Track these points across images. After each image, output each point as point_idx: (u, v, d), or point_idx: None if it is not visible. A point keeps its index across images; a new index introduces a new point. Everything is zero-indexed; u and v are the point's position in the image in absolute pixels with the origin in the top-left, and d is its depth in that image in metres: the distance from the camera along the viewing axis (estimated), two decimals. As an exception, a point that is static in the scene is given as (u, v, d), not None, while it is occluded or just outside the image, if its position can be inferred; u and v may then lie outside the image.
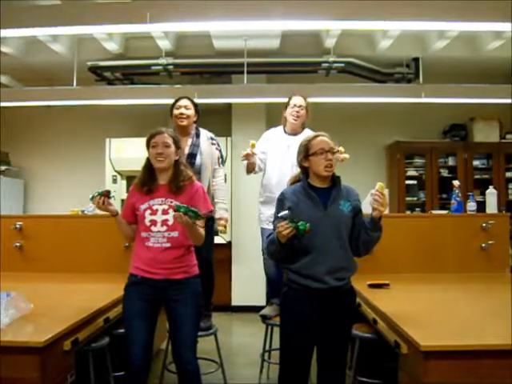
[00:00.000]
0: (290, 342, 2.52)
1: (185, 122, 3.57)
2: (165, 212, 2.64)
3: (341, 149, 3.18)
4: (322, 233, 2.44)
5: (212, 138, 3.74)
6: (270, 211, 3.54)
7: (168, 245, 2.64)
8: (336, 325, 2.50)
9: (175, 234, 2.65)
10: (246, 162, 3.61)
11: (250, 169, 3.69)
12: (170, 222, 2.64)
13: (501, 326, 2.53)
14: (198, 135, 3.65)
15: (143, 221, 2.66)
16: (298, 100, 3.67)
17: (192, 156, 3.55)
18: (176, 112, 3.58)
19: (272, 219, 3.29)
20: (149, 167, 2.73)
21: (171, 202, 2.63)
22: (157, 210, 2.65)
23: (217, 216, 3.67)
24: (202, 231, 2.67)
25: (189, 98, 3.65)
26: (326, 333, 2.49)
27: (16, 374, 2.17)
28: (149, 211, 2.65)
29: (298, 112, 3.64)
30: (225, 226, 3.72)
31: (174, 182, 2.69)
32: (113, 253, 3.99)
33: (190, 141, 3.60)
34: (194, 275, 2.72)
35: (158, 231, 2.64)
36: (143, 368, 2.60)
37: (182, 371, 2.65)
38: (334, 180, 2.55)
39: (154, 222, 2.65)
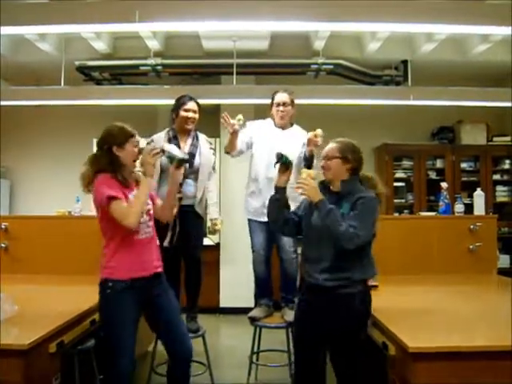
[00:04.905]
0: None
1: (191, 126, 3.60)
2: None
3: (318, 132, 3.34)
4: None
5: (210, 143, 3.78)
6: (257, 203, 3.54)
7: (152, 233, 2.69)
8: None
9: (151, 222, 2.70)
10: (228, 136, 3.56)
11: (230, 148, 3.60)
12: (151, 212, 2.70)
13: (489, 328, 2.55)
14: (197, 137, 3.67)
15: None
16: (281, 97, 3.64)
17: (191, 155, 3.54)
18: (184, 114, 3.56)
19: (260, 211, 3.45)
20: (117, 162, 2.62)
21: None
22: None
23: (213, 217, 3.71)
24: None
25: (196, 101, 3.64)
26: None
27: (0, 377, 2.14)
28: None
29: (282, 111, 3.62)
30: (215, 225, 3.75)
31: (133, 173, 2.70)
32: (99, 254, 3.94)
33: (189, 141, 3.62)
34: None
35: (144, 221, 2.63)
36: (131, 374, 2.57)
37: (184, 357, 2.71)
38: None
39: None
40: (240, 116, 3.50)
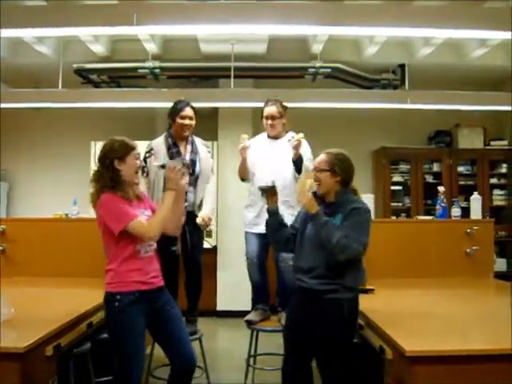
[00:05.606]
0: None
1: (188, 133, 3.58)
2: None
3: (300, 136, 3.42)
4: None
5: (207, 146, 3.76)
6: (251, 214, 3.56)
7: (153, 252, 2.66)
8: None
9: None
10: (239, 164, 3.60)
11: (243, 174, 3.64)
12: None
13: (485, 331, 2.55)
14: (194, 142, 3.65)
15: None
16: (269, 111, 3.62)
17: (193, 163, 3.54)
18: (180, 121, 3.53)
19: (254, 222, 3.51)
20: (118, 177, 2.60)
21: (145, 208, 2.68)
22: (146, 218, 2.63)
23: (202, 212, 3.56)
24: None
25: (192, 107, 3.61)
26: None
27: (-4, 380, 2.13)
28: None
29: (271, 125, 3.61)
30: (207, 224, 3.56)
31: (134, 186, 2.69)
32: (97, 257, 3.90)
33: (189, 147, 3.60)
34: None
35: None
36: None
37: (188, 368, 2.67)
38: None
39: None
40: (244, 135, 3.55)
